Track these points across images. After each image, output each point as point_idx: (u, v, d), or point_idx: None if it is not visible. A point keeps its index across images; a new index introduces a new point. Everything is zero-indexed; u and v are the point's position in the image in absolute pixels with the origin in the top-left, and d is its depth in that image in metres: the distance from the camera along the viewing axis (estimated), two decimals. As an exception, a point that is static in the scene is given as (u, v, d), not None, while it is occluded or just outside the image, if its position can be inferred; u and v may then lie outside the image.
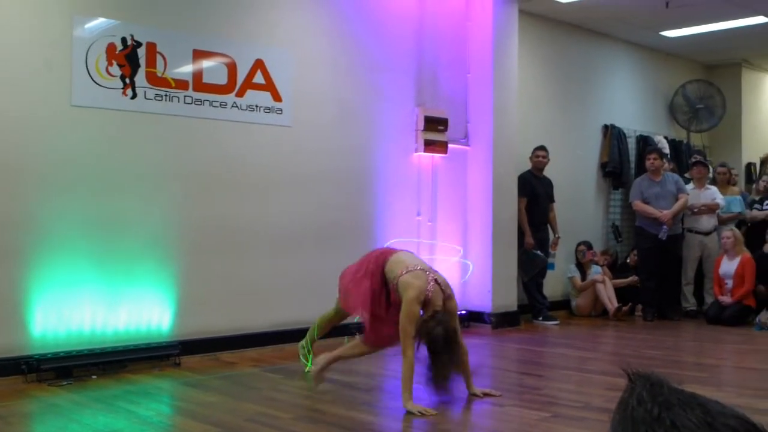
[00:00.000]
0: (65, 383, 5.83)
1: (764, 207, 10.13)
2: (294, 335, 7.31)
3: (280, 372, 6.33)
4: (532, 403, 5.23)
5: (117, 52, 6.40)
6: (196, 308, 6.84)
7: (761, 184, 10.87)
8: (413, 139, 8.56)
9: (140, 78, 6.53)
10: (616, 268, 10.56)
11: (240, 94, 7.15)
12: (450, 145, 8.79)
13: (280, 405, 5.18)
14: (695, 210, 9.89)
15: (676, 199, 9.61)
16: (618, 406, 0.95)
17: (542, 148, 9.60)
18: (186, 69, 6.83)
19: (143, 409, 5.16)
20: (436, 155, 8.71)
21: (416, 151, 8.57)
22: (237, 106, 7.13)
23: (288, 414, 4.92)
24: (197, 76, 6.89)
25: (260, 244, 7.29)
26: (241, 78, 7.16)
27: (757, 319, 9.00)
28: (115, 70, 6.39)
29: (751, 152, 13.50)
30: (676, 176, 10.03)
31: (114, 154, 6.42)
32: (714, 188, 10.15)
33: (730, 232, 9.51)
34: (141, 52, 6.54)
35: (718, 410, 0.89)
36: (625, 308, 9.67)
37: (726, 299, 9.33)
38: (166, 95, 6.69)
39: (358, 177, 8.08)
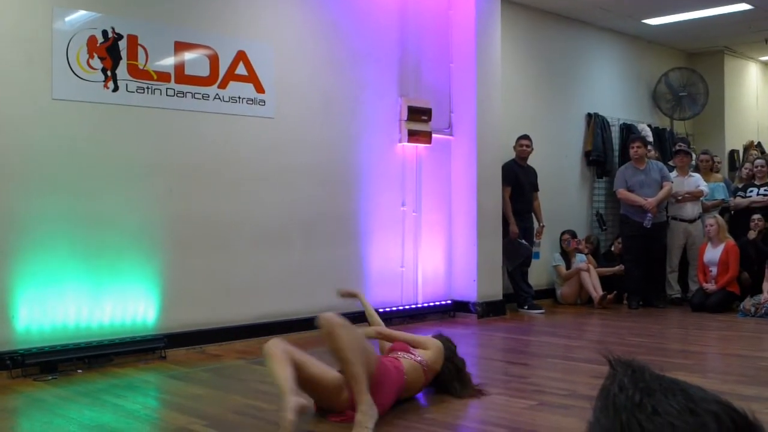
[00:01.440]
0: (50, 378, 5.81)
1: (747, 194, 10.18)
2: (279, 327, 7.31)
3: (265, 364, 6.30)
4: (518, 391, 5.24)
5: (98, 45, 6.36)
6: (181, 301, 6.82)
7: (744, 171, 10.93)
8: (397, 129, 8.55)
9: (122, 71, 6.49)
10: (598, 256, 10.59)
11: (222, 85, 7.13)
12: (434, 135, 8.79)
13: (266, 397, 5.17)
14: (679, 198, 9.93)
15: (661, 187, 9.65)
16: (600, 393, 0.95)
17: (526, 137, 9.61)
18: (168, 61, 6.79)
19: (130, 402, 5.15)
20: (420, 145, 8.71)
21: (400, 141, 8.56)
22: (219, 98, 7.10)
23: (274, 406, 4.89)
24: (179, 68, 6.85)
25: (244, 237, 7.28)
26: (223, 70, 7.13)
27: (741, 306, 9.05)
28: (97, 63, 6.35)
29: (734, 139, 13.56)
30: (660, 164, 10.05)
31: (96, 147, 6.38)
32: (698, 176, 10.20)
33: (713, 220, 9.55)
34: (122, 44, 6.50)
35: (700, 396, 0.89)
36: (610, 296, 9.70)
37: (710, 286, 9.38)
38: (148, 88, 6.65)
39: (341, 168, 8.07)
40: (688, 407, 0.87)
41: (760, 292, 9.06)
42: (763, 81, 14.66)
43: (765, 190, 10.01)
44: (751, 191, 10.16)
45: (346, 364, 4.31)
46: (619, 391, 0.91)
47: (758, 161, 10.48)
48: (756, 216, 9.72)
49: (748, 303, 8.99)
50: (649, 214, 9.50)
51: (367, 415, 4.22)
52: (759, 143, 13.74)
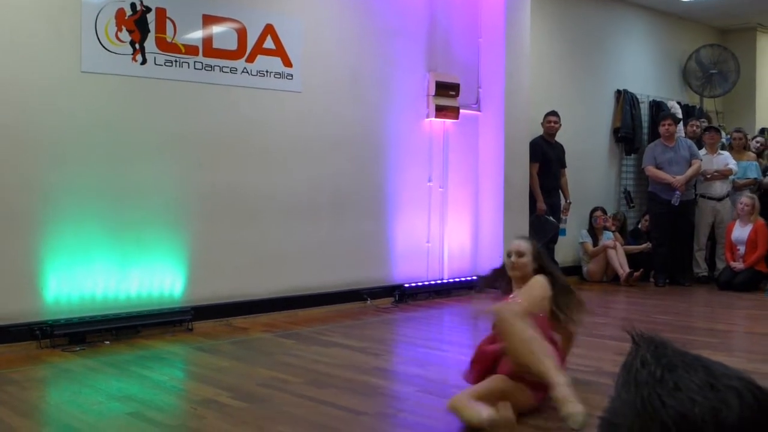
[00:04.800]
0: (78, 349, 5.88)
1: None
2: (305, 301, 7.36)
3: (291, 337, 6.37)
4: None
5: (126, 18, 6.38)
6: (208, 274, 6.87)
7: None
8: (424, 104, 8.52)
9: (150, 44, 6.51)
10: (625, 233, 10.54)
11: (250, 59, 7.13)
12: (461, 111, 8.75)
13: (291, 370, 5.22)
14: (708, 176, 9.84)
15: (690, 165, 9.57)
16: (622, 368, 0.95)
17: (554, 113, 9.54)
18: (196, 34, 6.80)
19: (156, 373, 5.21)
20: (448, 121, 8.68)
21: (427, 116, 8.53)
22: (247, 72, 7.11)
23: (299, 378, 4.95)
24: (207, 41, 6.86)
25: (271, 210, 7.30)
26: (251, 43, 7.13)
27: (768, 285, 8.99)
28: (125, 35, 6.37)
29: (765, 117, 13.38)
30: (689, 142, 9.95)
31: (124, 120, 6.41)
32: (726, 153, 10.08)
33: (750, 200, 9.41)
34: (150, 17, 6.51)
35: (721, 372, 0.88)
36: (636, 274, 9.64)
37: (738, 265, 9.31)
38: (176, 61, 6.67)
39: (369, 142, 8.06)
40: (709, 383, 0.87)
41: (789, 271, 9.00)
42: (796, 58, 14.44)
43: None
44: (782, 170, 10.05)
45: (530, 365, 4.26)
46: (641, 367, 0.91)
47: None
48: (786, 195, 9.61)
49: (776, 282, 8.93)
50: (678, 192, 9.42)
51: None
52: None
